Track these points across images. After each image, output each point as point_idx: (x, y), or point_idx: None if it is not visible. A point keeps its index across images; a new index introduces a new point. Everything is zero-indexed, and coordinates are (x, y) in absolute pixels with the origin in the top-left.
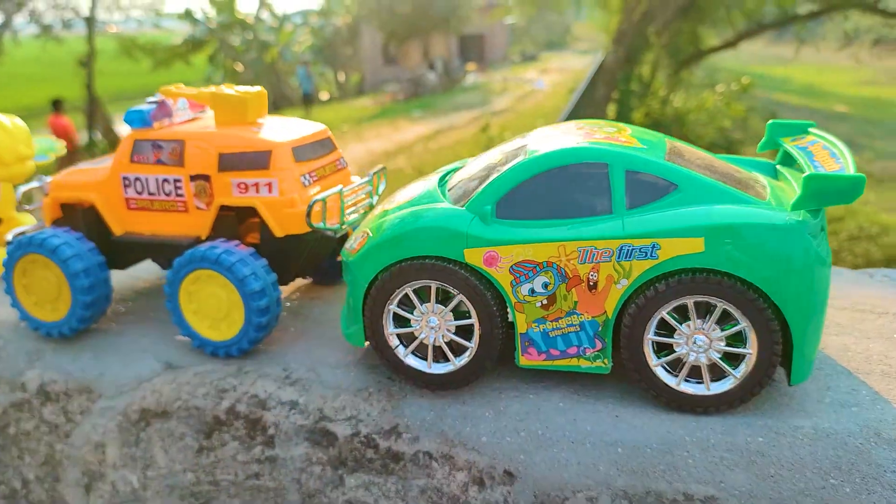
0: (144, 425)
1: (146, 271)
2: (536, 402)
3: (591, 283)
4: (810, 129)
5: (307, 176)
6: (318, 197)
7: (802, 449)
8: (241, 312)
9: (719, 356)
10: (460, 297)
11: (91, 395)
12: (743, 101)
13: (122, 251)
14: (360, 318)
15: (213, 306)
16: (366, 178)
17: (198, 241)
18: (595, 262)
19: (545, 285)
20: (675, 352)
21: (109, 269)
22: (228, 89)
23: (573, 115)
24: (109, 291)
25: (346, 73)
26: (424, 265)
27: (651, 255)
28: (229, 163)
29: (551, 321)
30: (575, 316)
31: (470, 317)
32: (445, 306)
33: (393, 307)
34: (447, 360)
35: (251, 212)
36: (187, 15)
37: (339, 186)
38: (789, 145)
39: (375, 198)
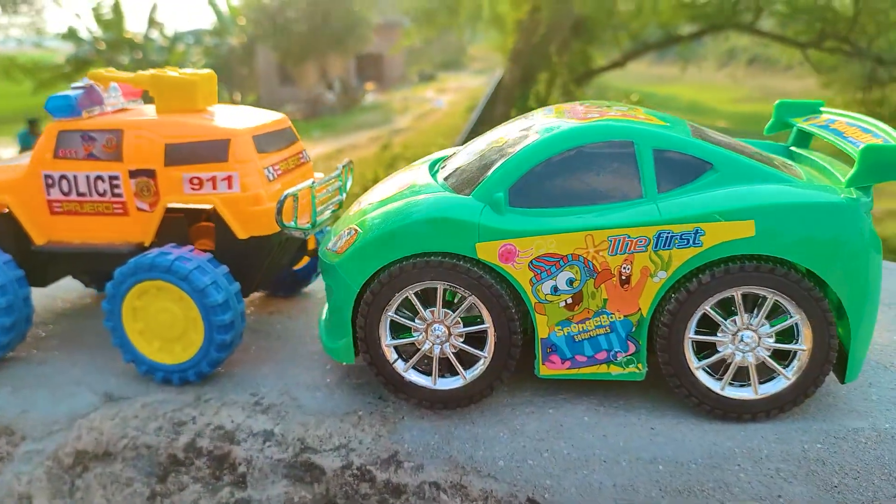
0: (81, 470)
1: (64, 289)
2: (557, 417)
3: (624, 278)
4: (822, 108)
5: (271, 169)
6: (291, 191)
7: (867, 454)
8: (199, 330)
9: (768, 354)
10: (472, 298)
11: (12, 437)
12: None
13: (44, 264)
14: (350, 330)
15: (165, 324)
16: (335, 173)
17: (140, 248)
18: (628, 253)
19: (570, 282)
20: (717, 352)
21: (30, 285)
22: (172, 72)
23: (473, 132)
24: (30, 312)
25: (242, 94)
26: (430, 263)
27: (694, 242)
28: (179, 155)
29: (577, 323)
30: (604, 316)
31: (481, 322)
32: (452, 311)
33: (391, 314)
34: (455, 373)
35: (202, 214)
36: (71, 34)
37: (311, 181)
38: (805, 125)
39: (344, 195)
